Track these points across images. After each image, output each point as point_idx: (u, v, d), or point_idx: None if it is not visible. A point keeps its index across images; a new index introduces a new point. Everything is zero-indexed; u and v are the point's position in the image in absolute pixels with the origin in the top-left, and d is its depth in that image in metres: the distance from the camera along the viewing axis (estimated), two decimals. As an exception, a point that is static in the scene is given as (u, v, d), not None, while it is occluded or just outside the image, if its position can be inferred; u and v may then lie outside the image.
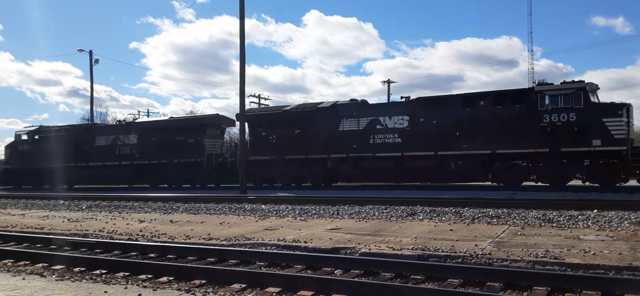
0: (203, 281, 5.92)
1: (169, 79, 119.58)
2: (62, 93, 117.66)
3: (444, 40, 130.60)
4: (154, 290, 5.33)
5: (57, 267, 6.93)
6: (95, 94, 41.81)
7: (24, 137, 33.82)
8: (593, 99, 19.15)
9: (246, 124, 24.89)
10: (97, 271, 6.59)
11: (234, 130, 29.78)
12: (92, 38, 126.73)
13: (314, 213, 12.08)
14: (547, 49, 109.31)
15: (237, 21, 22.74)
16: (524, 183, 20.20)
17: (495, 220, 9.78)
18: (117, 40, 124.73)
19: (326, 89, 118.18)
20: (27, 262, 7.37)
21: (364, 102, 24.75)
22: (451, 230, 8.72)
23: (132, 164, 29.53)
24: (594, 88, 19.68)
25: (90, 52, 41.88)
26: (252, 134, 26.38)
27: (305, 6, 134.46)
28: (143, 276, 6.24)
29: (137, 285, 5.73)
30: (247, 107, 27.05)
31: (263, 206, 13.77)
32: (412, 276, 5.88)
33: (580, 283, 5.16)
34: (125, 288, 5.46)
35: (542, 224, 9.20)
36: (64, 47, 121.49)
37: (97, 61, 42.02)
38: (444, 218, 10.31)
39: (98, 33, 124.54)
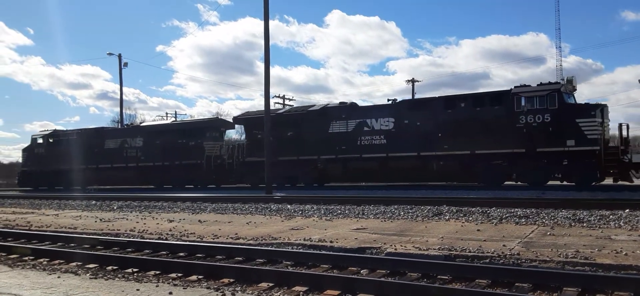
0: (231, 280, 6.02)
1: (195, 81, 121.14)
2: (92, 96, 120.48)
3: (468, 38, 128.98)
4: (184, 289, 5.45)
5: (91, 266, 7.14)
6: (124, 97, 42.75)
7: (39, 141, 35.32)
8: (569, 100, 19.69)
9: (243, 126, 25.55)
10: (129, 270, 6.77)
11: (232, 133, 31.10)
12: (119, 42, 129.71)
13: (339, 213, 12.12)
14: (576, 45, 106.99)
15: (260, 23, 22.99)
16: (506, 182, 20.90)
17: (523, 220, 9.65)
18: (143, 43, 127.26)
19: (349, 89, 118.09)
20: (61, 261, 7.61)
21: (352, 105, 25.58)
22: (478, 230, 8.64)
23: (137, 166, 30.69)
24: (571, 90, 20.18)
25: (120, 56, 42.84)
26: (248, 137, 27.47)
27: (327, 6, 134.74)
28: (173, 275, 6.39)
29: (168, 284, 5.87)
30: (272, 107, 27.27)
31: (289, 206, 13.87)
32: (439, 277, 5.86)
33: (611, 284, 5.06)
34: (157, 286, 5.60)
35: (572, 224, 9.03)
36: (93, 51, 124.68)
37: (126, 64, 42.95)
38: (470, 218, 10.21)
39: (125, 37, 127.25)
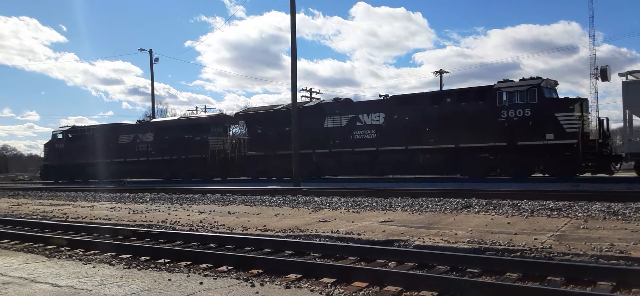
0: (260, 271, 6.10)
1: (223, 75, 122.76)
2: (124, 91, 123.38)
3: (497, 28, 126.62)
4: (214, 279, 5.55)
5: (124, 256, 7.35)
6: (155, 92, 43.60)
7: (59, 136, 37.35)
8: (549, 95, 20.27)
9: (243, 122, 28.03)
10: (161, 260, 6.94)
11: (237, 128, 32.37)
12: (148, 38, 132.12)
13: (366, 205, 12.10)
14: (609, 33, 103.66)
15: (286, 16, 23.31)
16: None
17: (555, 213, 9.44)
18: (172, 39, 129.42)
19: (376, 81, 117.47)
20: (96, 251, 7.84)
21: (346, 101, 26.47)
22: (509, 223, 8.50)
23: (148, 160, 32.27)
24: (552, 84, 20.80)
25: (150, 51, 43.64)
26: (249, 132, 28.60)
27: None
28: (204, 265, 6.51)
29: (199, 274, 5.99)
30: (299, 101, 27.43)
31: (316, 199, 13.92)
32: (468, 270, 5.80)
33: (648, 278, 4.92)
34: (188, 276, 5.72)
35: (607, 217, 8.79)
36: (123, 47, 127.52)
37: (156, 59, 43.78)
38: (500, 211, 10.06)
39: (154, 33, 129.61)
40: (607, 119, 20.54)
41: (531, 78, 20.69)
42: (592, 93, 62.50)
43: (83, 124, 38.88)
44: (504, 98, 20.56)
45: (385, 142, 23.36)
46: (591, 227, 7.81)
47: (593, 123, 21.19)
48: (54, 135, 37.81)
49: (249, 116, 29.24)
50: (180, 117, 38.90)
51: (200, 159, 29.53)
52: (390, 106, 23.83)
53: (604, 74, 19.73)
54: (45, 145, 39.26)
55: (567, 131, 19.21)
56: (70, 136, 36.64)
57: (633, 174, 19.48)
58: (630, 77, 18.53)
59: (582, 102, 20.04)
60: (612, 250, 6.11)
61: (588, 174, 19.80)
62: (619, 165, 19.70)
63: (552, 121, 19.43)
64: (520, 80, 20.92)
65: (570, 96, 21.03)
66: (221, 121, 32.49)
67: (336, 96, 30.13)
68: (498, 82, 21.32)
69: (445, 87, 46.29)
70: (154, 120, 35.16)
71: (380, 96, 25.77)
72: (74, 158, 34.90)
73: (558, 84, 21.27)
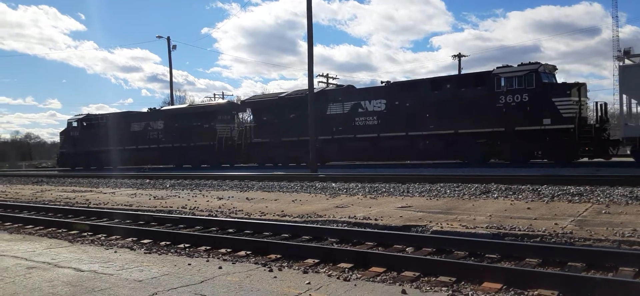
0: (278, 256, 6.15)
1: (240, 62, 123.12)
2: (143, 79, 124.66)
3: (516, 10, 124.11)
4: (233, 263, 5.61)
5: (145, 241, 7.48)
6: (173, 79, 44.12)
7: (74, 124, 38.34)
8: (547, 80, 20.22)
9: (249, 110, 29.08)
10: (181, 245, 7.05)
11: (244, 116, 32.87)
12: (165, 25, 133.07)
13: (384, 190, 12.08)
14: (633, 14, 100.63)
15: (301, 1, 23.21)
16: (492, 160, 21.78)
17: (577, 198, 9.30)
18: (189, 26, 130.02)
19: (393, 66, 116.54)
20: (118, 236, 8.00)
21: (349, 88, 26.70)
22: (528, 208, 8.40)
23: (159, 147, 32.95)
24: (551, 69, 20.85)
25: (168, 39, 43.90)
26: (255, 119, 29.22)
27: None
28: (223, 250, 6.60)
29: (218, 258, 6.07)
30: (315, 87, 27.44)
31: (333, 184, 13.94)
32: (486, 255, 5.77)
33: (672, 264, 4.84)
34: (207, 261, 5.79)
35: (629, 201, 8.63)
36: (141, 35, 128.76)
37: (174, 46, 44.00)
38: (520, 196, 9.95)
39: (171, 20, 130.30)
40: (605, 104, 20.65)
41: (529, 63, 20.66)
42: (615, 76, 60.98)
43: (98, 112, 40.15)
44: (502, 84, 20.60)
45: (387, 128, 23.63)
46: (613, 212, 7.68)
47: (591, 108, 21.13)
48: (69, 123, 38.88)
49: (254, 104, 29.78)
50: (189, 105, 39.84)
51: (209, 146, 30.13)
52: (392, 93, 24.04)
53: (627, 56, 19.30)
54: (61, 133, 40.48)
55: (564, 115, 19.24)
56: (84, 124, 37.65)
57: (631, 159, 19.27)
58: (627, 61, 18.48)
59: (579, 87, 20.01)
60: (635, 235, 6.00)
61: (585, 159, 19.99)
62: (616, 150, 19.64)
63: (549, 106, 19.46)
64: (518, 65, 20.91)
65: (580, 80, 21.58)
66: (229, 108, 33.07)
67: (351, 83, 30.33)
68: (497, 67, 21.36)
69: (463, 72, 45.80)
70: (164, 108, 35.86)
71: (382, 82, 26.15)
72: (89, 145, 35.93)
73: (557, 69, 21.29)
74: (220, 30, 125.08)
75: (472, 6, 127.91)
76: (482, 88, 21.22)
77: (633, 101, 18.42)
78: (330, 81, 49.53)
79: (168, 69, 44.88)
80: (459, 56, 49.55)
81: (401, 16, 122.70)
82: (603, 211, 7.79)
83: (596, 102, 20.71)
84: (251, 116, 29.91)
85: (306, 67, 22.59)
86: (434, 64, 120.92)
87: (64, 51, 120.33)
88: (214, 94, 69.48)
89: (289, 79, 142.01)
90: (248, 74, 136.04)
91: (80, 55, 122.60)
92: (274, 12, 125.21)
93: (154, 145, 33.22)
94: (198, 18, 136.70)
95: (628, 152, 19.29)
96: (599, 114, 20.11)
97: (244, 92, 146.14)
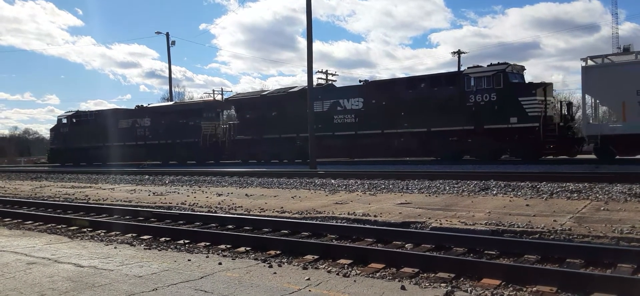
0: (278, 252, 6.17)
1: (238, 58, 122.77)
2: (141, 74, 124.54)
3: (515, 6, 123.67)
4: (232, 259, 5.63)
5: (145, 237, 7.49)
6: (172, 75, 44.05)
7: (64, 121, 38.88)
8: (514, 80, 20.96)
9: (233, 107, 29.59)
10: (181, 241, 7.06)
11: (227, 113, 33.24)
12: (162, 21, 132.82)
13: (383, 187, 12.09)
14: (632, 11, 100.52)
15: (302, -3, 22.93)
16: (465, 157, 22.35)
17: (575, 195, 9.32)
18: (186, 22, 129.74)
19: (391, 62, 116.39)
20: (117, 232, 8.00)
21: (329, 86, 27.74)
22: (527, 205, 8.42)
23: (145, 144, 33.49)
24: (519, 69, 21.60)
25: (167, 35, 43.84)
26: (238, 117, 29.77)
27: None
28: (222, 246, 6.62)
29: (218, 254, 6.08)
30: (315, 83, 27.49)
31: (332, 181, 13.95)
32: (485, 252, 5.79)
33: (670, 261, 4.86)
34: (207, 257, 5.81)
35: (628, 199, 8.65)
36: (138, 31, 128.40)
37: (173, 42, 44.00)
38: (519, 193, 9.96)
39: (168, 16, 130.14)
40: (570, 103, 21.40)
41: (498, 63, 21.36)
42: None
43: (88, 109, 40.71)
44: (472, 83, 21.28)
45: (363, 126, 24.22)
46: (612, 209, 7.71)
47: (557, 107, 21.78)
48: (59, 120, 39.53)
49: (238, 101, 30.37)
50: (175, 102, 40.88)
51: (194, 143, 30.73)
52: (369, 92, 24.68)
53: (590, 58, 19.71)
54: (51, 130, 41.05)
55: (529, 114, 19.85)
56: (74, 120, 38.19)
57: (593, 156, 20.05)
58: (590, 62, 19.01)
59: (545, 87, 20.69)
60: (633, 232, 6.02)
61: (550, 157, 20.73)
62: (580, 147, 20.42)
63: (515, 105, 20.09)
64: (488, 65, 21.62)
65: (545, 80, 22.39)
66: (213, 106, 33.48)
67: (351, 79, 30.77)
68: (467, 68, 22.17)
69: (462, 68, 45.80)
70: (150, 105, 36.24)
71: (360, 81, 26.57)
72: (78, 141, 36.55)
73: (525, 69, 22.15)
74: (219, 26, 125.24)
75: (470, 3, 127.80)
76: (453, 88, 21.96)
77: (595, 100, 19.15)
78: (330, 77, 49.54)
79: (166, 65, 44.95)
80: (459, 52, 49.53)
81: (400, 12, 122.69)
82: (602, 208, 7.82)
83: (561, 102, 21.61)
84: (235, 114, 30.50)
85: (305, 63, 22.66)
86: (433, 60, 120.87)
87: (62, 46, 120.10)
88: (213, 90, 69.50)
89: (287, 76, 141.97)
90: (247, 70, 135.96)
91: (78, 50, 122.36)
92: (273, 8, 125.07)
93: (141, 142, 33.82)
94: (196, 13, 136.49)
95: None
96: (564, 113, 21.05)
97: (242, 88, 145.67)
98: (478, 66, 22.04)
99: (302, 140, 25.91)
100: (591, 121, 19.04)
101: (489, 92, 20.81)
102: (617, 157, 18.39)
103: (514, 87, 20.60)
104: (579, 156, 20.62)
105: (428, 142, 22.57)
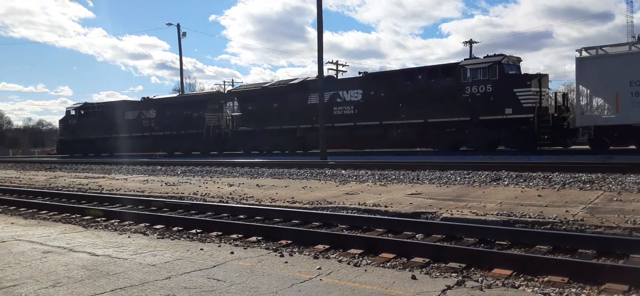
0: (289, 242, 6.21)
1: (248, 49, 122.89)
2: (152, 66, 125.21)
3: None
4: (244, 249, 5.68)
5: (158, 227, 7.58)
6: (182, 66, 44.41)
7: (72, 113, 39.75)
8: (510, 71, 21.18)
9: (236, 99, 30.34)
10: (193, 231, 7.13)
11: (231, 105, 33.48)
12: (172, 12, 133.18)
13: (393, 178, 12.09)
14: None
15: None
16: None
17: (588, 185, 9.25)
18: (196, 13, 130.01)
19: (402, 53, 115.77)
20: (131, 222, 8.11)
21: (329, 78, 27.98)
22: (539, 196, 8.38)
23: (151, 135, 34.21)
24: (515, 61, 21.82)
25: (178, 26, 43.92)
26: (241, 109, 30.35)
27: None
28: (234, 236, 6.68)
29: (229, 244, 6.14)
30: (325, 74, 27.52)
31: (343, 171, 13.97)
32: (497, 242, 5.78)
33: (684, 252, 4.82)
34: (219, 246, 5.86)
35: (642, 190, 8.56)
36: (148, 22, 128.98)
37: (184, 34, 44.04)
38: (531, 183, 9.91)
39: (177, 7, 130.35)
40: (565, 94, 21.77)
41: (494, 55, 21.59)
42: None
43: (96, 101, 41.38)
44: (468, 75, 21.55)
45: (362, 117, 24.60)
46: (625, 199, 7.64)
47: (552, 97, 22.01)
48: (68, 111, 40.26)
49: (240, 93, 30.97)
50: (180, 94, 41.62)
51: (198, 134, 31.28)
52: (367, 83, 25.06)
53: (585, 49, 19.62)
54: (60, 121, 41.85)
55: (524, 105, 20.11)
56: (82, 112, 38.95)
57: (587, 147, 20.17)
58: (584, 54, 19.15)
59: (540, 78, 20.90)
60: (647, 223, 5.97)
61: (545, 147, 20.89)
62: (575, 138, 20.67)
63: (511, 96, 20.36)
64: (484, 57, 21.92)
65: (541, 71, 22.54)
66: (217, 98, 33.90)
67: (361, 69, 30.90)
68: (464, 59, 22.54)
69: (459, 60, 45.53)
70: (156, 97, 36.82)
71: (359, 73, 26.94)
72: (86, 133, 37.33)
73: (521, 60, 22.32)
74: (228, 17, 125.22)
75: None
76: (450, 79, 22.24)
77: (589, 91, 19.34)
78: (340, 68, 49.38)
79: (177, 56, 45.58)
80: (471, 42, 49.01)
81: (410, 2, 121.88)
82: (614, 199, 7.75)
83: (555, 93, 21.91)
84: (237, 105, 31.05)
85: (315, 54, 22.62)
86: (444, 50, 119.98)
87: (74, 38, 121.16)
88: (224, 81, 69.67)
89: (297, 67, 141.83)
90: (257, 61, 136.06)
91: (89, 42, 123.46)
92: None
93: (146, 133, 34.44)
94: (205, 4, 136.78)
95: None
96: (559, 104, 21.28)
97: (252, 79, 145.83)
98: (474, 58, 22.55)
99: (302, 131, 26.61)
100: (585, 112, 19.22)
101: (484, 84, 21.13)
102: (611, 148, 18.52)
103: (509, 78, 20.83)
104: (574, 147, 20.89)
105: (425, 134, 22.98)
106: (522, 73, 21.82)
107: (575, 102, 20.25)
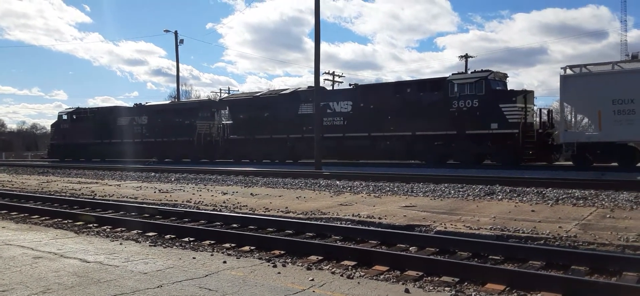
0: (282, 252, 6.19)
1: (245, 57, 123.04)
2: (148, 72, 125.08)
3: (522, 11, 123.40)
4: (237, 258, 5.65)
5: (150, 234, 7.53)
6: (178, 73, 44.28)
7: (64, 117, 39.58)
8: (496, 87, 21.50)
9: (227, 107, 30.38)
10: (186, 239, 7.09)
11: (222, 113, 33.41)
12: (169, 19, 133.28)
13: (388, 190, 12.08)
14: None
15: (311, -2, 23.07)
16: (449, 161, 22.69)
17: (581, 202, 9.28)
18: (193, 21, 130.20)
19: (398, 65, 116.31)
20: (123, 228, 8.05)
21: (320, 89, 27.81)
22: (533, 211, 8.40)
23: (142, 142, 34.16)
24: (501, 77, 22.24)
25: (176, 33, 43.89)
26: (232, 117, 30.48)
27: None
28: (227, 245, 6.64)
29: (222, 253, 6.10)
30: (321, 85, 27.58)
31: (337, 182, 13.96)
32: (490, 257, 5.78)
33: (676, 270, 4.83)
34: (211, 255, 5.83)
35: (634, 206, 8.60)
36: (145, 28, 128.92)
37: (181, 41, 43.95)
38: (525, 198, 9.93)
39: (175, 14, 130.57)
40: (549, 111, 22.10)
41: (481, 71, 21.94)
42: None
43: (88, 107, 41.39)
44: (455, 89, 21.84)
45: (351, 129, 24.85)
46: (618, 216, 7.67)
47: (537, 114, 22.28)
48: (60, 116, 40.05)
49: (232, 102, 31.30)
50: (171, 102, 41.81)
51: (189, 141, 31.41)
52: (357, 95, 25.27)
53: (570, 67, 19.83)
54: (52, 125, 41.68)
55: (509, 121, 20.37)
56: (74, 117, 38.87)
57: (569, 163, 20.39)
58: (568, 71, 19.34)
59: (526, 95, 21.28)
60: (639, 240, 5.99)
61: (530, 163, 20.96)
62: (559, 154, 20.98)
63: (496, 111, 20.61)
64: (471, 72, 22.50)
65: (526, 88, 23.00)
66: (209, 106, 33.92)
67: (357, 80, 31.06)
68: (452, 74, 22.86)
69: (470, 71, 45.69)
70: (148, 104, 36.72)
71: (350, 85, 27.06)
72: (77, 138, 37.27)
73: (508, 76, 22.78)
74: (226, 25, 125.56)
75: (477, 7, 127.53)
76: (438, 93, 22.48)
77: (573, 108, 19.61)
78: (336, 79, 49.53)
79: (173, 63, 45.48)
80: (466, 56, 49.34)
81: (406, 15, 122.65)
82: (607, 216, 7.78)
83: (540, 109, 22.16)
84: (229, 114, 31.22)
85: (311, 64, 22.97)
86: (439, 64, 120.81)
87: (70, 42, 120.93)
88: (220, 89, 69.64)
89: (293, 76, 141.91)
90: (253, 69, 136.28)
91: (86, 47, 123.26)
92: (279, 8, 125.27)
93: (138, 139, 34.39)
94: (203, 12, 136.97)
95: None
96: (544, 120, 21.44)
97: (248, 88, 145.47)
98: (462, 73, 22.87)
99: (293, 141, 26.78)
100: (568, 129, 19.44)
101: (471, 99, 21.39)
102: (594, 164, 18.67)
103: (495, 94, 21.10)
104: (557, 163, 21.14)
105: (413, 146, 23.13)
106: (508, 89, 22.08)
107: (560, 119, 20.46)
